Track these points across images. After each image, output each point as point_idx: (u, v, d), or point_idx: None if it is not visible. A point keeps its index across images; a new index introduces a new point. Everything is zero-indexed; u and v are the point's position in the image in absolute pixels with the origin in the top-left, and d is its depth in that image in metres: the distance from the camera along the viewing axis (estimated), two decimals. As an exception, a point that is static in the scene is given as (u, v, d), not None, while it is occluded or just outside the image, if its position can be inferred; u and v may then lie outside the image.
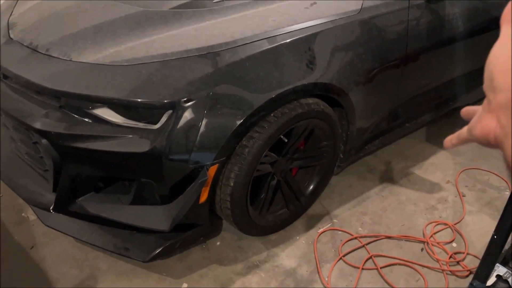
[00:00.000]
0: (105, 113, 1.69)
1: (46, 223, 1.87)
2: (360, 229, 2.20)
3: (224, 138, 1.64)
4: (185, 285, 1.87)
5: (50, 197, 1.87)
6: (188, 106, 1.59)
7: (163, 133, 1.60)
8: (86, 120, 1.70)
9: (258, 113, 1.69)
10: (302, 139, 2.00)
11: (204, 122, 1.60)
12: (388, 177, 2.55)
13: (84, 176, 1.77)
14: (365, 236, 2.16)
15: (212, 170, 1.69)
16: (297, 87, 1.76)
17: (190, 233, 1.82)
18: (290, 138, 1.94)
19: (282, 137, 1.87)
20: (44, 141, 1.73)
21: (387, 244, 2.12)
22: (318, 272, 1.95)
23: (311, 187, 2.22)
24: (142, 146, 1.61)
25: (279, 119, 1.76)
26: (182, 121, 1.59)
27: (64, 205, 1.82)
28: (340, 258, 2.03)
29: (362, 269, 1.98)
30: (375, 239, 2.14)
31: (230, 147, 1.70)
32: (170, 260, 1.96)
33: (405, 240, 2.15)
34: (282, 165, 2.01)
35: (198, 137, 1.61)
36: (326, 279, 1.92)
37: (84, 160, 1.71)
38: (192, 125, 1.60)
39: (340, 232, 2.18)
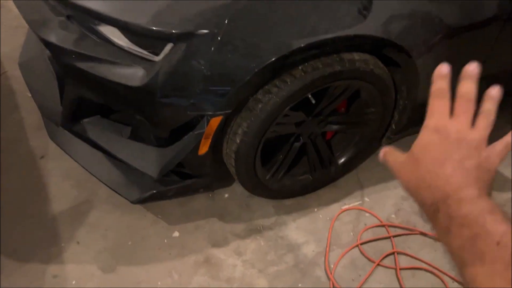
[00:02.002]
0: (111, 33, 1.46)
1: (51, 137, 1.79)
2: (393, 216, 1.87)
3: (232, 87, 1.35)
4: (176, 233, 1.73)
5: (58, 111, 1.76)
6: (193, 41, 1.31)
7: (162, 68, 1.35)
8: (92, 37, 1.50)
9: (280, 64, 1.36)
10: (339, 102, 1.64)
11: (209, 63, 1.32)
12: (449, 160, 2.11)
13: (86, 97, 1.62)
14: (395, 226, 1.82)
15: (215, 122, 1.43)
16: (339, 38, 1.38)
17: (187, 183, 1.63)
18: (323, 98, 1.59)
19: (310, 96, 1.53)
20: (47, 52, 1.58)
21: (419, 242, 1.78)
22: (325, 256, 1.69)
23: (346, 157, 1.88)
24: (137, 79, 1.38)
25: (307, 75, 1.42)
26: (183, 58, 1.32)
27: (69, 123, 1.71)
28: (357, 246, 1.74)
29: (378, 265, 1.69)
30: (406, 232, 1.80)
31: (240, 98, 1.41)
32: (169, 203, 1.81)
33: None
34: (311, 127, 1.68)
35: (200, 80, 1.34)
36: (331, 266, 1.67)
37: (82, 82, 1.54)
38: (195, 65, 1.33)
39: (367, 215, 1.86)
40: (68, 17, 1.53)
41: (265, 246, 1.72)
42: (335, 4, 1.36)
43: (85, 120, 1.70)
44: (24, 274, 1.56)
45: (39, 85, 1.90)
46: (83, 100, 1.62)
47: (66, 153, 1.74)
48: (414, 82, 1.67)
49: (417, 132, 2.05)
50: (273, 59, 1.32)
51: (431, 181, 0.50)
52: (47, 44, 1.53)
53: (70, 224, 1.72)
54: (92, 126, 1.69)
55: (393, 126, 1.87)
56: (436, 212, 0.48)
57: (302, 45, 1.33)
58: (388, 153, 0.58)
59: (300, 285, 1.61)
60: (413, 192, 0.52)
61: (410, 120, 1.86)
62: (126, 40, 1.44)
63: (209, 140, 1.48)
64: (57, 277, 1.56)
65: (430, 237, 1.79)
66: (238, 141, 1.50)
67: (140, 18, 1.35)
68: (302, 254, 1.71)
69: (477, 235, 0.44)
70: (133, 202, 1.61)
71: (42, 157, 1.96)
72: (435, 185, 0.49)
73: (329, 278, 1.63)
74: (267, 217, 1.81)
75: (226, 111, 1.41)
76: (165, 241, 1.70)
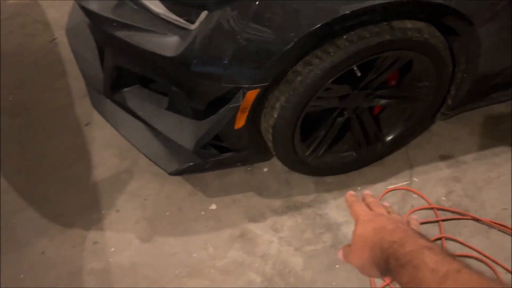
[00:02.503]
0: (149, 1, 1.42)
1: (94, 105, 1.80)
2: (443, 198, 1.73)
3: (269, 58, 1.27)
4: (213, 206, 1.71)
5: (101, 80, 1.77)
6: (228, 8, 1.23)
7: (196, 37, 1.29)
8: (130, 4, 1.46)
9: (322, 32, 1.25)
10: (388, 74, 1.50)
11: (245, 33, 1.24)
12: (513, 140, 1.92)
13: (126, 68, 1.60)
14: (445, 210, 1.69)
15: (251, 95, 1.36)
16: (390, 4, 1.24)
17: (224, 156, 1.59)
18: (371, 70, 1.47)
19: (355, 68, 1.41)
20: (87, 19, 1.56)
21: (470, 228, 1.65)
22: (366, 237, 1.61)
23: (394, 133, 1.75)
24: (172, 49, 1.33)
25: (352, 45, 1.30)
26: (218, 26, 1.25)
27: (110, 92, 1.71)
28: (401, 228, 1.64)
29: (423, 250, 1.58)
30: (457, 217, 1.67)
31: (278, 70, 1.32)
32: (208, 175, 1.79)
33: (498, 230, 1.64)
34: (357, 101, 1.57)
35: (236, 50, 1.27)
36: (372, 248, 1.58)
37: (120, 50, 1.52)
38: (230, 34, 1.25)
39: (415, 196, 1.74)
40: (107, -17, 1.50)
41: (302, 223, 1.66)
42: (386, -35, 1.22)
43: (125, 89, 1.69)
44: (67, 238, 1.62)
45: (83, 53, 1.90)
46: (122, 69, 1.61)
47: (107, 121, 1.75)
48: (475, 53, 1.50)
49: (475, 108, 1.85)
50: (314, 28, 1.22)
51: (380, 239, 0.61)
52: (87, 12, 1.51)
53: (111, 192, 1.75)
54: (132, 95, 1.68)
55: (449, 102, 1.71)
56: (387, 259, 0.58)
57: (348, 12, 1.21)
58: (343, 253, 0.71)
59: (337, 266, 1.55)
60: (366, 259, 0.62)
61: (468, 94, 1.69)
62: (163, 7, 1.38)
63: (246, 114, 1.42)
64: (97, 243, 1.61)
65: (483, 223, 1.65)
66: (275, 115, 1.42)
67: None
68: (342, 234, 1.63)
69: (418, 266, 0.54)
70: (170, 174, 1.60)
71: (87, 124, 1.99)
72: (383, 239, 0.61)
73: (368, 261, 1.55)
74: (307, 194, 1.74)
75: (263, 84, 1.34)
76: (202, 213, 1.69)
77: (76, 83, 2.17)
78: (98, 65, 1.74)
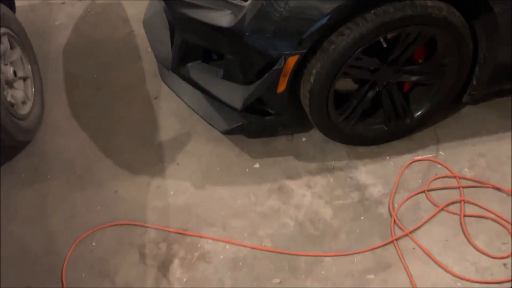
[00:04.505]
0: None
1: (163, 79, 2.15)
2: (466, 169, 1.89)
3: (307, 28, 1.54)
4: (257, 165, 1.98)
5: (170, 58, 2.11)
6: (275, -13, 1.52)
7: (248, 11, 1.59)
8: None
9: (352, 6, 1.51)
10: (413, 49, 1.72)
11: (288, 6, 1.52)
12: (540, 124, 2.03)
13: (191, 42, 1.93)
14: (467, 179, 1.85)
15: (292, 60, 1.63)
16: (410, -17, 1.48)
17: (267, 119, 1.86)
18: (397, 45, 1.69)
19: (382, 41, 1.64)
20: (163, 3, 1.91)
21: (490, 196, 1.79)
22: (390, 197, 1.81)
23: (422, 110, 1.94)
24: (227, 21, 1.63)
25: (378, 18, 1.54)
26: (266, 1, 1.54)
27: (176, 67, 2.05)
28: (424, 191, 1.82)
29: (443, 209, 1.75)
30: (478, 185, 1.82)
31: (315, 39, 1.59)
32: (255, 141, 2.07)
33: (516, 198, 1.77)
34: (386, 75, 1.79)
35: (280, 22, 1.55)
36: (395, 206, 1.78)
37: (187, 26, 1.84)
38: (275, 8, 1.54)
39: (439, 166, 1.91)
40: (179, -27, 1.84)
41: (334, 183, 1.89)
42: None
43: (189, 64, 2.02)
44: (135, 182, 1.95)
45: (157, 38, 2.27)
46: (188, 45, 1.93)
47: (173, 91, 2.10)
48: (493, 34, 1.68)
49: (500, 90, 2.04)
50: (345, 3, 1.48)
51: None
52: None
53: (172, 150, 2.08)
54: (194, 69, 2.00)
55: (474, 82, 1.88)
56: None
57: (373, -10, 1.46)
58: None
59: (362, 217, 1.76)
60: None
61: (492, 76, 1.85)
62: (222, -12, 1.70)
63: (287, 79, 1.69)
64: (159, 188, 1.93)
65: (503, 191, 1.79)
66: (312, 80, 1.68)
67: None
68: (368, 193, 1.84)
69: None
70: (222, 132, 1.90)
71: (155, 97, 2.35)
72: None
73: (391, 215, 1.75)
74: (340, 160, 1.97)
75: (302, 51, 1.60)
76: (247, 170, 1.96)
77: (148, 66, 2.55)
78: (168, 47, 2.09)
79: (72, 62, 2.65)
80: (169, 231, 1.76)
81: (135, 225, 1.79)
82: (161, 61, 2.17)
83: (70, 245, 1.75)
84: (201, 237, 1.74)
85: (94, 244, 1.75)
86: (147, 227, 1.78)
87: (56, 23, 2.96)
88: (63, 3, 3.17)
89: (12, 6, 2.25)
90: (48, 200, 1.93)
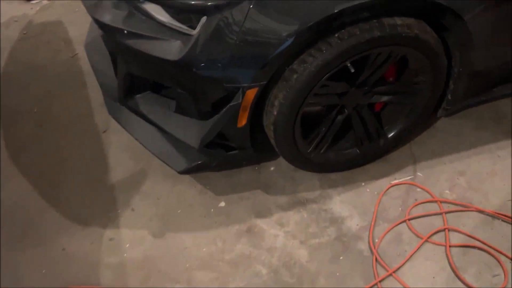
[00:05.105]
0: (154, 9, 1.53)
1: (110, 112, 1.92)
2: (447, 192, 1.76)
3: (265, 57, 1.35)
4: (222, 203, 1.79)
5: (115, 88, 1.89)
6: (225, 12, 1.33)
7: (197, 40, 1.38)
8: (137, 14, 1.57)
9: (314, 31, 1.33)
10: (384, 70, 1.56)
11: (242, 34, 1.33)
12: (518, 133, 1.93)
13: (136, 74, 1.71)
14: (449, 202, 1.72)
15: (251, 94, 1.44)
16: (376, 1, 1.31)
17: (230, 154, 1.67)
18: (366, 67, 1.53)
19: (349, 65, 1.47)
20: (100, 32, 1.69)
21: (474, 220, 1.67)
22: (369, 230, 1.65)
23: (396, 129, 1.80)
24: (175, 53, 1.43)
25: (343, 42, 1.37)
26: (216, 30, 1.35)
27: (123, 99, 1.82)
28: (405, 221, 1.68)
29: (427, 241, 1.61)
30: (461, 209, 1.70)
31: (275, 69, 1.41)
32: (217, 175, 1.88)
33: (502, 220, 1.66)
34: (356, 97, 1.63)
35: (234, 51, 1.36)
36: (376, 240, 1.63)
37: (130, 58, 1.63)
38: (228, 36, 1.35)
39: (418, 190, 1.78)
40: (117, -4, 1.62)
41: (307, 218, 1.72)
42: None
43: (138, 95, 1.80)
44: (85, 235, 1.72)
45: (100, 64, 2.03)
46: (134, 76, 1.72)
47: (122, 126, 1.87)
48: (468, 47, 1.55)
49: (477, 103, 1.91)
50: (306, 26, 1.30)
51: None
52: (99, 24, 1.63)
53: (126, 192, 1.85)
54: (144, 100, 1.78)
55: (449, 97, 1.75)
56: None
57: (337, 11, 1.29)
58: None
59: (341, 257, 1.60)
60: None
61: (468, 89, 1.73)
62: (167, 15, 1.49)
63: (247, 112, 1.51)
64: (113, 240, 1.71)
65: (488, 214, 1.68)
66: (275, 112, 1.50)
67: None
68: (346, 227, 1.68)
69: None
70: (180, 172, 1.70)
71: (104, 131, 2.11)
72: None
73: (372, 252, 1.60)
74: (312, 190, 1.81)
75: (261, 82, 1.42)
76: (212, 210, 1.77)
77: (95, 93, 2.30)
78: (113, 75, 1.87)
79: (9, 95, 2.37)
80: (126, 293, 1.55)
81: (87, 289, 1.57)
82: (106, 91, 1.94)
83: (12, 320, 1.52)
84: (163, 297, 1.54)
85: (39, 317, 1.52)
86: (101, 290, 1.57)
87: (-13, 50, 2.67)
88: (-4, 25, 2.87)
89: None
90: (-16, 265, 1.68)
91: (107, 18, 1.60)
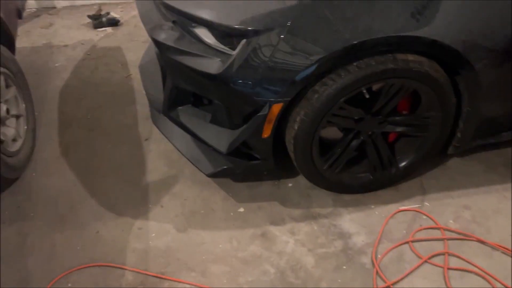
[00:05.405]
0: (203, 33, 1.81)
1: (154, 122, 2.19)
2: (451, 221, 1.88)
3: (291, 77, 1.59)
4: (241, 209, 1.97)
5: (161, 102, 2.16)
6: (261, 37, 1.58)
7: (235, 59, 1.64)
8: (188, 37, 1.86)
9: (335, 59, 1.56)
10: (396, 101, 1.76)
11: (273, 56, 1.58)
12: (525, 178, 2.04)
13: (181, 87, 1.98)
14: (452, 231, 1.84)
15: (276, 108, 1.67)
16: (390, 39, 1.54)
17: (253, 163, 1.88)
18: (380, 96, 1.73)
19: (364, 91, 1.68)
20: (156, 49, 1.98)
21: (475, 249, 1.77)
22: (374, 247, 1.78)
23: (408, 160, 1.96)
24: (215, 69, 1.69)
25: (360, 70, 1.59)
26: (252, 52, 1.60)
27: (167, 110, 2.09)
28: (408, 242, 1.80)
29: (426, 261, 1.72)
30: (463, 237, 1.81)
31: (299, 88, 1.63)
32: (240, 185, 2.07)
33: (501, 252, 1.75)
34: (371, 125, 1.82)
35: (265, 71, 1.60)
36: (378, 256, 1.75)
37: (178, 72, 1.90)
38: (262, 58, 1.60)
39: (424, 217, 1.90)
40: (174, 22, 1.92)
41: (317, 230, 1.87)
42: (387, 6, 1.54)
43: (180, 108, 2.07)
44: (118, 223, 1.93)
45: (151, 82, 2.33)
46: (178, 90, 1.99)
47: (162, 133, 2.12)
48: (476, 92, 1.72)
49: (485, 144, 2.07)
50: (328, 55, 1.53)
51: None
52: (156, 42, 1.93)
53: (158, 192, 2.07)
54: (184, 112, 2.04)
55: (459, 135, 1.91)
56: None
57: (356, 42, 1.52)
58: None
59: (344, 267, 1.72)
60: None
61: (477, 130, 1.88)
62: (212, 38, 1.77)
63: (271, 125, 1.72)
64: (141, 229, 1.91)
65: (488, 245, 1.77)
66: (296, 127, 1.71)
67: (224, 19, 1.68)
68: (352, 242, 1.82)
69: None
70: (207, 175, 1.91)
71: (146, 139, 2.38)
72: None
73: (373, 266, 1.72)
74: (325, 207, 1.96)
75: (286, 99, 1.64)
76: (231, 214, 1.95)
77: (142, 109, 2.60)
78: (160, 90, 2.15)
79: (68, 103, 2.71)
80: (147, 275, 1.72)
81: (113, 267, 1.76)
82: (153, 104, 2.22)
83: (45, 285, 1.71)
84: (179, 281, 1.70)
85: (69, 285, 1.71)
86: (125, 269, 1.75)
87: (56, 65, 3.06)
88: (65, 46, 3.28)
89: (11, 48, 2.32)
90: (28, 239, 1.91)
91: (162, 38, 1.90)
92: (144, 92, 2.61)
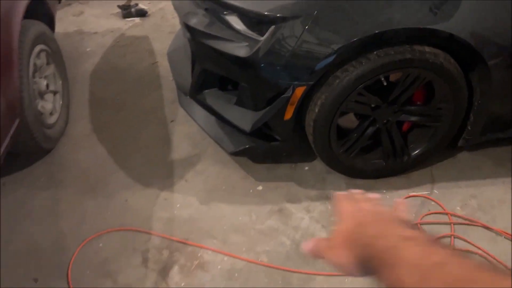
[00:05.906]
0: (233, 20, 1.95)
1: (181, 104, 2.33)
2: (458, 208, 1.99)
3: (314, 62, 1.71)
4: (260, 187, 2.10)
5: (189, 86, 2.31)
6: (288, 24, 1.72)
7: (263, 45, 1.77)
8: (219, 23, 2.01)
9: (356, 47, 1.69)
10: (412, 91, 1.88)
11: (299, 42, 1.71)
12: (531, 173, 2.15)
13: (209, 71, 2.12)
14: (458, 216, 1.95)
15: (299, 91, 1.80)
16: (408, 30, 1.67)
17: (273, 144, 2.01)
18: (397, 85, 1.86)
19: (382, 79, 1.81)
20: (188, 34, 2.13)
21: (479, 234, 1.88)
22: (384, 227, 1.90)
23: (420, 149, 2.08)
24: (245, 52, 1.82)
25: (379, 59, 1.72)
26: (280, 37, 1.73)
27: (194, 93, 2.23)
28: (415, 224, 1.91)
29: (433, 243, 1.83)
30: (468, 222, 1.92)
31: (321, 73, 1.76)
32: (259, 166, 2.21)
33: (504, 237, 1.85)
34: (386, 113, 1.95)
35: (291, 56, 1.73)
36: (388, 235, 1.86)
37: (208, 56, 2.04)
38: (288, 43, 1.73)
39: (433, 203, 2.02)
40: (206, 9, 2.07)
41: (331, 209, 1.99)
42: (408, 1, 1.66)
43: (206, 91, 2.21)
44: (145, 193, 2.08)
45: (178, 67, 2.48)
46: (206, 74, 2.13)
47: (189, 115, 2.26)
48: (487, 87, 1.84)
49: (495, 138, 2.19)
50: (349, 43, 1.66)
51: (360, 234, 0.56)
52: (188, 27, 2.07)
53: (182, 168, 2.21)
54: (210, 95, 2.18)
55: (469, 127, 2.02)
56: (369, 257, 0.52)
57: (377, 31, 1.65)
58: (315, 246, 0.62)
59: (355, 243, 1.84)
60: (346, 258, 0.56)
61: (486, 125, 1.99)
62: (242, 25, 1.91)
63: (294, 107, 1.85)
64: (167, 200, 2.05)
65: (493, 231, 1.88)
66: (317, 110, 1.84)
67: (255, 6, 1.81)
68: (363, 221, 1.93)
69: (395, 265, 0.49)
70: (229, 153, 2.05)
71: (172, 121, 2.52)
72: (363, 234, 0.55)
73: (383, 243, 1.83)
74: (338, 190, 2.08)
75: (309, 82, 1.78)
76: (250, 191, 2.08)
77: (168, 93, 2.75)
78: (188, 75, 2.29)
79: (97, 85, 2.86)
80: (172, 240, 1.86)
81: (140, 231, 1.90)
82: (180, 88, 2.36)
83: (77, 245, 1.85)
84: (201, 247, 1.83)
85: (100, 245, 1.85)
86: (151, 234, 1.89)
87: (87, 50, 3.22)
88: (95, 33, 3.45)
89: (52, 26, 2.48)
90: (61, 204, 2.05)
91: (194, 23, 2.04)
92: (170, 78, 2.78)
